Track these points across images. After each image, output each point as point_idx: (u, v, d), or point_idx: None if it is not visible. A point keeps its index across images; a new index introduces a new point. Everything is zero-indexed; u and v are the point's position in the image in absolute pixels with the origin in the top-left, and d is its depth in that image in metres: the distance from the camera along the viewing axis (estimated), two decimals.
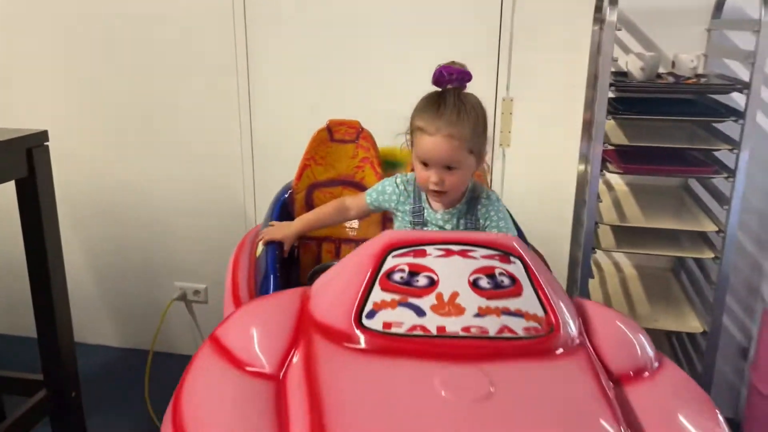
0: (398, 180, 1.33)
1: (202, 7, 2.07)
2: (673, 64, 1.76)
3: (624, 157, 1.71)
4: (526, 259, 1.06)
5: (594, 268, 1.98)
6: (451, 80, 1.20)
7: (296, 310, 1.03)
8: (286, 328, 0.99)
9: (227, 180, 2.21)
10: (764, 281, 1.95)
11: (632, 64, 1.67)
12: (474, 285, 0.99)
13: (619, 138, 1.72)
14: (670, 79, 1.69)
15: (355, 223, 1.59)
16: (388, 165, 1.64)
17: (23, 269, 1.64)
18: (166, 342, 2.37)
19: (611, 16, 1.53)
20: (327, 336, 0.96)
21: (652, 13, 1.82)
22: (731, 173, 1.58)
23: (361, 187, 1.61)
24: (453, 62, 1.22)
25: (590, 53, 1.84)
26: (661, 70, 1.75)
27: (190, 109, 2.17)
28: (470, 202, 1.28)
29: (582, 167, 1.92)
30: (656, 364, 1.05)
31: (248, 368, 0.95)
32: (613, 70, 1.63)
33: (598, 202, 1.70)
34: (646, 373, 1.02)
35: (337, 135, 1.61)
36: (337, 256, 1.60)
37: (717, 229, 1.63)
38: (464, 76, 1.20)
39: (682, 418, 0.93)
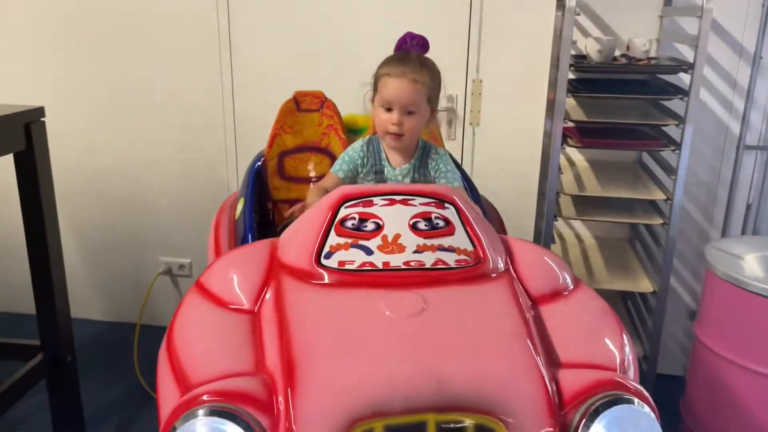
0: (358, 145, 1.47)
1: None
2: (628, 47, 1.91)
3: (583, 133, 1.86)
4: (459, 204, 1.23)
5: (557, 239, 2.14)
6: (413, 45, 1.38)
7: (267, 256, 1.18)
8: (259, 270, 1.15)
9: (211, 157, 2.30)
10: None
11: (591, 47, 1.82)
12: (413, 227, 1.16)
13: (578, 115, 1.86)
14: (624, 61, 1.84)
15: None
16: (350, 132, 1.78)
17: (18, 247, 1.70)
18: (153, 315, 2.46)
19: (571, 1, 1.67)
20: (292, 275, 1.12)
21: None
22: (678, 146, 1.74)
23: (327, 153, 1.75)
24: None
25: (553, 37, 1.98)
26: (617, 53, 1.90)
27: (173, 88, 2.26)
28: (422, 157, 1.44)
29: (546, 142, 2.07)
30: (572, 287, 1.21)
31: (229, 306, 1.11)
32: (573, 52, 1.77)
33: (560, 174, 1.84)
34: (566, 293, 1.19)
35: (303, 105, 1.74)
36: None
37: (665, 197, 1.79)
38: (425, 42, 1.39)
39: (587, 327, 1.11)
